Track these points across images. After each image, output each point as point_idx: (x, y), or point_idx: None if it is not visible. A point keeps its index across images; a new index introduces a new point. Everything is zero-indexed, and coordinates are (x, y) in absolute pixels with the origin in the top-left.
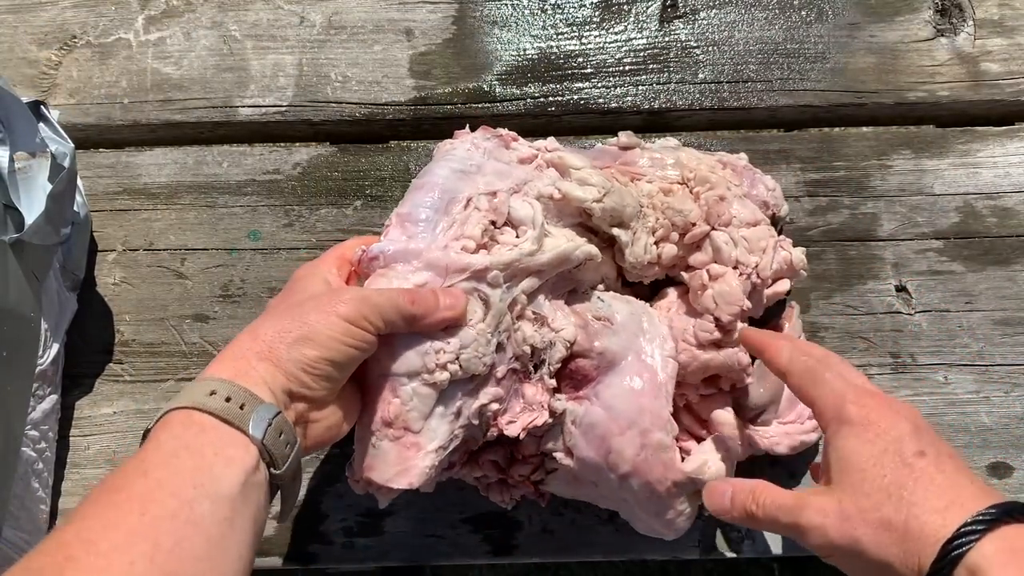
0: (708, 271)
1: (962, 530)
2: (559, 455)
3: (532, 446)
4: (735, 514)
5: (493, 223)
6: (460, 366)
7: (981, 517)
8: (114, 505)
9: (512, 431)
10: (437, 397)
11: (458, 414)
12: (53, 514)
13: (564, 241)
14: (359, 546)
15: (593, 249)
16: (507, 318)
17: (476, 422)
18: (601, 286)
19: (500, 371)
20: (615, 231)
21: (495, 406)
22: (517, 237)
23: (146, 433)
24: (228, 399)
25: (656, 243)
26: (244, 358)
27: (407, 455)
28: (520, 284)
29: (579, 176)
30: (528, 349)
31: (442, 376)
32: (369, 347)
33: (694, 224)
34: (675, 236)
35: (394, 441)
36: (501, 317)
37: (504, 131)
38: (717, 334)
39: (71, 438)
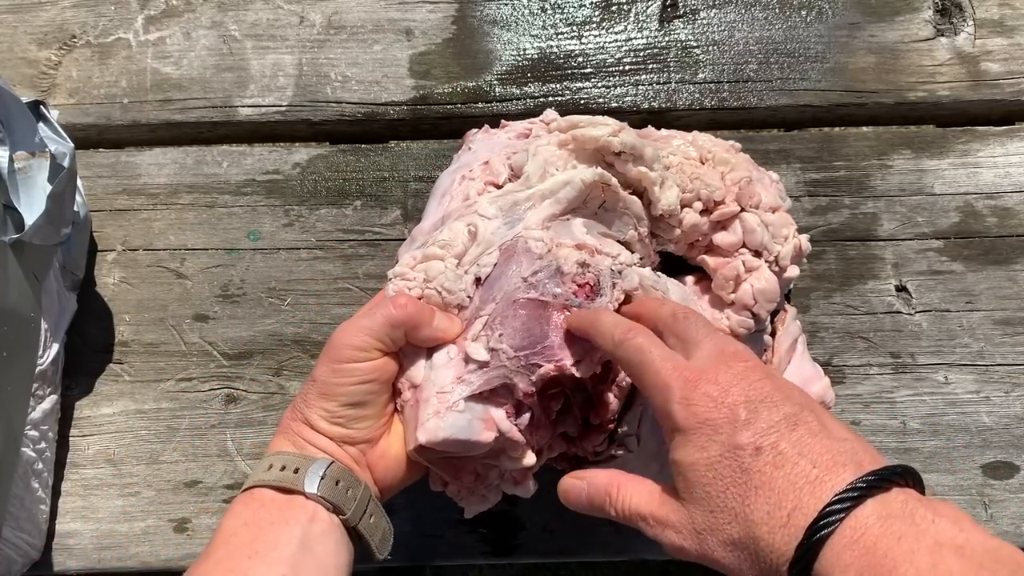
0: (744, 263)
1: (806, 544)
2: (631, 440)
3: (614, 403)
4: (597, 513)
5: (495, 184)
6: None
7: (826, 521)
8: None
9: (582, 371)
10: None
11: (461, 352)
12: (53, 514)
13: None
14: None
15: (603, 173)
16: (496, 252)
17: (484, 358)
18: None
19: (488, 308)
20: (641, 169)
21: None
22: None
23: None
24: (283, 468)
25: (680, 206)
26: (290, 430)
27: (416, 413)
28: (528, 215)
29: (590, 120)
30: (575, 267)
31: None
32: (377, 372)
33: (719, 202)
34: (698, 205)
35: (408, 404)
36: (487, 248)
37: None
38: (755, 328)
39: (71, 438)
